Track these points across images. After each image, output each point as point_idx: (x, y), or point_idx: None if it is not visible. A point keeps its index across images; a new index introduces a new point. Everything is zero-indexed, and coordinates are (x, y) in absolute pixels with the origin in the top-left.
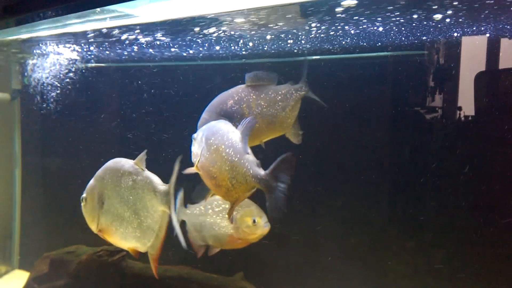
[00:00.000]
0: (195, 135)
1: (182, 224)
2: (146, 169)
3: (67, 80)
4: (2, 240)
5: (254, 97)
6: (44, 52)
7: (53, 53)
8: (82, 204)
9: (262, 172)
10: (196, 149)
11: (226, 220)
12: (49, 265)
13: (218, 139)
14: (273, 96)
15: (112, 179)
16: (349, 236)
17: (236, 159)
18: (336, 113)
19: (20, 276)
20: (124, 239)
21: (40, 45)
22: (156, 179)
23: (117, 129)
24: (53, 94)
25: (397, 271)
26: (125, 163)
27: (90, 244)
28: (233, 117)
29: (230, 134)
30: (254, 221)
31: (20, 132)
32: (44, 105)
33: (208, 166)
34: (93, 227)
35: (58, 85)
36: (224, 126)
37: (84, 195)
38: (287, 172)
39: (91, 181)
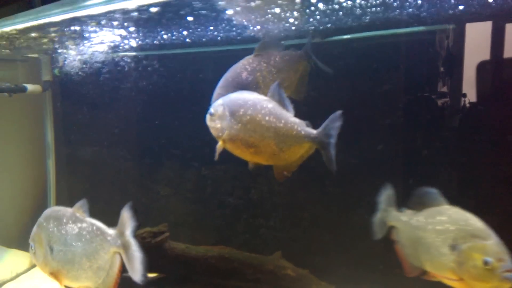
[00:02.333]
0: (212, 111)
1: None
2: (86, 216)
3: (101, 69)
4: None
5: (264, 65)
6: (76, 39)
7: (86, 40)
8: (31, 252)
9: (314, 131)
10: (218, 124)
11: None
12: None
13: (250, 109)
14: (280, 62)
15: (57, 228)
16: None
17: (282, 124)
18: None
19: None
20: (76, 280)
21: (72, 30)
22: (101, 225)
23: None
24: (86, 84)
25: None
26: (65, 211)
27: None
28: (249, 88)
29: (263, 102)
30: (486, 262)
31: (52, 123)
32: (77, 96)
33: (243, 137)
34: (45, 270)
35: (91, 75)
36: (251, 96)
37: (31, 243)
38: (336, 128)
39: (35, 229)
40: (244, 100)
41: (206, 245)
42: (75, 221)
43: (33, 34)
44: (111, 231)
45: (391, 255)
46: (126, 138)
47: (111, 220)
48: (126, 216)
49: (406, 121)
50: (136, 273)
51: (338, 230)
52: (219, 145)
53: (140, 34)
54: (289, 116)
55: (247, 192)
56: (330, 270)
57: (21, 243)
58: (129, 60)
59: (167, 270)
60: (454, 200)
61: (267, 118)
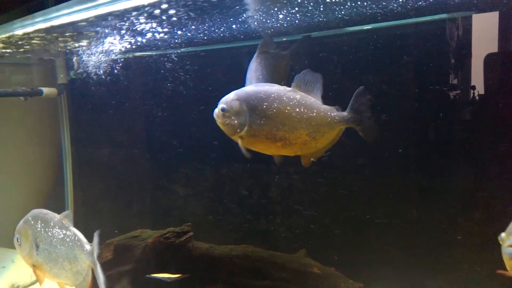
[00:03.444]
0: (225, 107)
1: None
2: (70, 225)
3: (117, 69)
4: None
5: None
6: (91, 41)
7: (102, 42)
8: (16, 243)
9: (344, 113)
10: (235, 120)
11: None
12: (113, 251)
13: (275, 102)
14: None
15: (44, 229)
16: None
17: (315, 114)
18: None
19: None
20: (57, 277)
21: (84, 32)
22: (82, 237)
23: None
24: (102, 86)
25: None
26: (53, 216)
27: None
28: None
29: (290, 93)
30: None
31: (68, 126)
32: (93, 98)
33: (269, 131)
34: (28, 262)
35: (107, 77)
36: (272, 88)
37: (17, 235)
38: (365, 103)
39: (22, 224)
40: (266, 93)
41: (227, 245)
42: (61, 227)
43: (45, 36)
44: (88, 246)
45: (416, 253)
46: (143, 139)
47: (130, 221)
48: (95, 242)
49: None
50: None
51: (361, 227)
52: (240, 143)
53: (160, 33)
54: (319, 104)
55: (267, 190)
56: (355, 269)
57: None
58: (145, 59)
59: (192, 270)
60: None
61: (297, 109)
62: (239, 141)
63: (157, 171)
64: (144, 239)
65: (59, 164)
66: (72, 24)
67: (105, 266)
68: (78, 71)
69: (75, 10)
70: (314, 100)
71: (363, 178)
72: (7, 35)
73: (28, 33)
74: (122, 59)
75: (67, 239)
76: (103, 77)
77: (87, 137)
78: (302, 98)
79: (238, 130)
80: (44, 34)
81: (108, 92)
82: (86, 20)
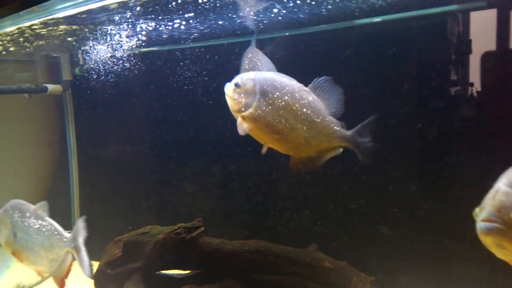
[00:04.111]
0: (239, 82)
1: None
2: (46, 216)
3: (123, 65)
4: None
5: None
6: (98, 34)
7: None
8: None
9: (348, 132)
10: (243, 98)
11: None
12: (123, 248)
13: (287, 96)
14: None
15: (21, 219)
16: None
17: (319, 120)
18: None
19: None
20: (34, 264)
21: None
22: (58, 226)
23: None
24: (107, 83)
25: None
26: (28, 207)
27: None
28: None
29: (304, 92)
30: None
31: (74, 123)
32: (99, 95)
33: (271, 121)
34: (8, 250)
35: (112, 73)
36: (289, 82)
37: None
38: (371, 131)
39: (1, 213)
40: (281, 83)
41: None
42: (37, 217)
43: (48, 30)
44: (67, 234)
45: (428, 246)
46: (150, 135)
47: (137, 218)
48: (81, 226)
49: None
50: (86, 270)
51: (371, 221)
52: (240, 121)
53: (167, 27)
54: (326, 113)
55: (275, 185)
56: (365, 262)
57: None
58: (151, 55)
59: (203, 266)
60: None
61: (304, 110)
62: (239, 120)
63: (165, 168)
64: (154, 235)
65: (64, 161)
66: (76, 17)
67: (114, 264)
68: (84, 67)
69: (79, 2)
70: (323, 108)
71: (372, 172)
72: (10, 29)
73: (31, 27)
74: (128, 55)
75: (43, 229)
76: (109, 73)
77: (93, 134)
78: (313, 101)
79: (243, 109)
80: (47, 29)
81: (114, 88)
82: (90, 12)
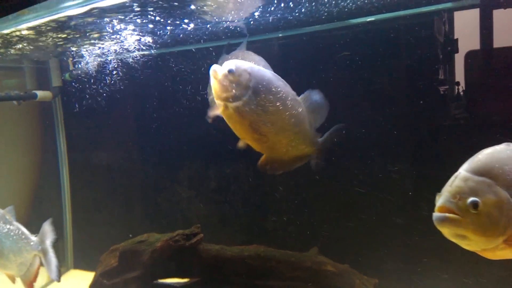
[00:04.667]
0: (234, 69)
1: None
2: (13, 220)
3: (114, 69)
4: (55, 241)
5: None
6: (86, 38)
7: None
8: None
9: (319, 139)
10: (233, 88)
11: None
12: (119, 258)
13: (279, 101)
14: None
15: None
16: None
17: (302, 132)
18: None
19: (77, 276)
20: (3, 268)
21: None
22: (25, 230)
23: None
24: (98, 87)
25: None
26: None
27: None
28: None
29: (294, 102)
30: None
31: (64, 130)
32: (89, 100)
33: (257, 121)
34: None
35: (103, 77)
36: (285, 88)
37: None
38: (334, 141)
39: None
40: (277, 87)
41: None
42: (5, 222)
43: (36, 35)
44: (34, 238)
45: (430, 247)
46: (142, 140)
47: (131, 225)
48: (48, 229)
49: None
50: (52, 273)
51: (370, 223)
52: (221, 109)
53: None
54: (311, 126)
55: (273, 188)
56: (366, 265)
57: None
58: (142, 59)
59: (203, 273)
60: None
61: (292, 120)
62: (221, 108)
63: (159, 173)
64: (152, 243)
65: (54, 168)
66: (64, 22)
67: (111, 274)
68: (74, 72)
69: (68, 5)
70: (309, 119)
71: (370, 175)
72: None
73: (18, 32)
74: (118, 59)
75: (11, 233)
76: (100, 78)
77: (84, 140)
78: (302, 113)
79: (230, 100)
80: (35, 33)
81: (105, 93)
82: (79, 16)
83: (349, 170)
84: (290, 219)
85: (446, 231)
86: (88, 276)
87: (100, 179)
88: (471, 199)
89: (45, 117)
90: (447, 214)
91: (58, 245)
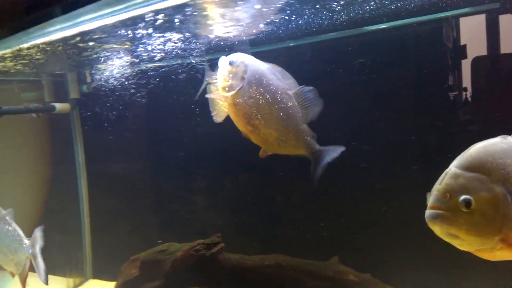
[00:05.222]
0: (234, 60)
1: None
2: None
3: (130, 81)
4: (73, 252)
5: None
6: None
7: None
8: None
9: (317, 146)
10: (230, 79)
11: None
12: (140, 268)
13: (269, 94)
14: None
15: None
16: None
17: (291, 126)
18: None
19: (96, 286)
20: (4, 264)
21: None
22: (21, 232)
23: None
24: (114, 98)
25: None
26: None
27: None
28: None
29: (284, 96)
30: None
31: (82, 141)
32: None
33: (248, 113)
34: None
35: (119, 89)
36: (276, 82)
37: None
38: (333, 156)
39: None
40: (268, 80)
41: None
42: (5, 222)
43: (54, 48)
44: (26, 241)
45: (456, 255)
46: (158, 151)
47: (149, 234)
48: (38, 235)
49: None
50: (41, 276)
51: (390, 230)
52: (223, 100)
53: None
54: (301, 122)
55: (289, 196)
56: (386, 273)
57: (54, 264)
58: (156, 71)
59: (224, 283)
60: None
61: (281, 113)
62: (223, 100)
63: (175, 183)
64: (173, 253)
65: (73, 178)
66: (83, 34)
67: (131, 284)
68: (91, 85)
69: (85, 19)
70: (299, 115)
71: (388, 180)
72: (14, 48)
73: (36, 46)
74: (135, 71)
75: (9, 234)
76: (117, 90)
77: (102, 151)
78: (292, 107)
79: (227, 89)
80: (52, 47)
81: (122, 104)
82: (98, 30)
83: (366, 177)
84: (307, 227)
85: (438, 230)
86: (106, 286)
87: (117, 189)
88: (463, 197)
89: (61, 128)
90: (439, 211)
91: (77, 255)
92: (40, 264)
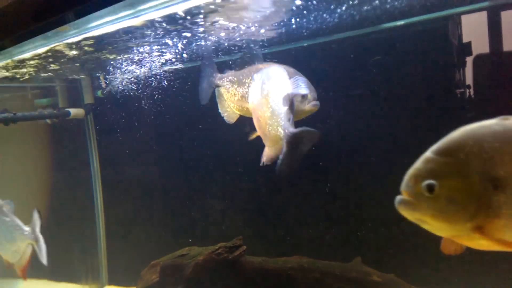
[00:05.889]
0: (255, 76)
1: None
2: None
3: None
4: (89, 259)
5: None
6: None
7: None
8: None
9: (291, 129)
10: (251, 89)
11: None
12: (160, 273)
13: (269, 85)
14: None
15: None
16: None
17: (277, 109)
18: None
19: None
20: (2, 253)
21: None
22: (19, 222)
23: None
24: (130, 102)
25: None
26: None
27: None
28: None
29: (281, 83)
30: None
31: (96, 146)
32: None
33: (257, 108)
34: None
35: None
36: (278, 74)
37: None
38: (308, 142)
39: None
40: (272, 75)
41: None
42: (3, 214)
43: (67, 53)
44: (27, 228)
45: (480, 256)
46: (175, 154)
47: (166, 239)
48: (35, 217)
49: None
50: (43, 258)
51: (414, 231)
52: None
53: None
54: (283, 105)
55: (307, 198)
56: (411, 273)
57: (70, 272)
58: (174, 73)
59: (247, 286)
60: None
61: (272, 96)
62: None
63: (191, 187)
64: (194, 257)
65: (87, 184)
66: (96, 39)
67: None
68: (106, 90)
69: (97, 24)
70: (284, 100)
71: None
72: (29, 54)
73: (51, 51)
74: (151, 75)
75: (7, 224)
76: (131, 94)
77: (116, 156)
78: (282, 91)
79: (250, 99)
80: (68, 51)
81: (137, 109)
82: (112, 34)
83: (387, 176)
84: (327, 228)
85: (408, 216)
86: None
87: (133, 193)
88: (425, 182)
89: (75, 133)
90: (403, 197)
91: (93, 262)
92: (43, 245)
